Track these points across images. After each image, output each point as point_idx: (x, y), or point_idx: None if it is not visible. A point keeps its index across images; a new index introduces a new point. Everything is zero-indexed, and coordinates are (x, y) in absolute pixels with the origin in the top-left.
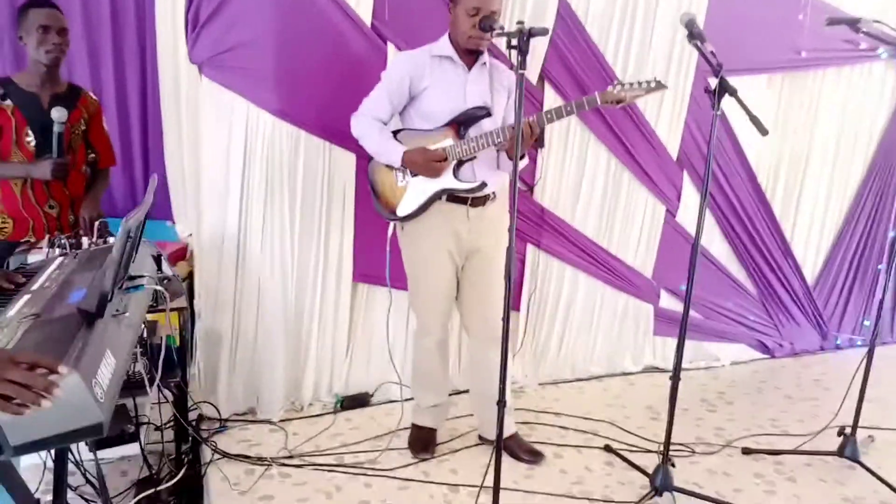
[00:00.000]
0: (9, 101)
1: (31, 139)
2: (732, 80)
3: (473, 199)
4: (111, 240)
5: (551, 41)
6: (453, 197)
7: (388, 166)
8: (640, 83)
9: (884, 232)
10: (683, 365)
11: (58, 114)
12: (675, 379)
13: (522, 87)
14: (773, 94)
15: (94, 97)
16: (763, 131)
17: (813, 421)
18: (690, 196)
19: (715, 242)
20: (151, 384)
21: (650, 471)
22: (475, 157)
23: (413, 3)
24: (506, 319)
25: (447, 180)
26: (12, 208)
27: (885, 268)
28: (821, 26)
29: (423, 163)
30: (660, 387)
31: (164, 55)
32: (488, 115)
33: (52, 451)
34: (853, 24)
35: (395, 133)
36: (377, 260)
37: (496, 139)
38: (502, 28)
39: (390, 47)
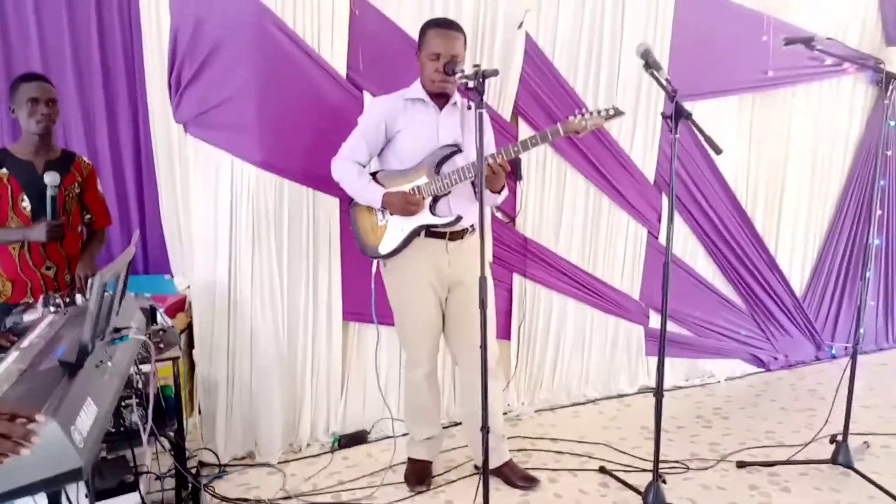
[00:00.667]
0: (4, 170)
1: (26, 204)
2: (702, 104)
3: (451, 233)
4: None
5: (521, 79)
6: (432, 232)
7: (368, 207)
8: (598, 112)
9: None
10: (679, 384)
11: (50, 178)
12: (659, 395)
13: (481, 124)
14: (745, 114)
15: (88, 161)
16: (717, 150)
17: (808, 431)
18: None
19: (700, 260)
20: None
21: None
22: (450, 193)
23: (385, 53)
24: (483, 347)
25: (424, 217)
26: (11, 271)
27: (871, 274)
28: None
29: (400, 205)
30: None
31: (156, 116)
32: (459, 151)
33: None
34: (807, 42)
35: (373, 174)
36: (365, 298)
37: (468, 174)
38: (463, 72)
39: (366, 95)
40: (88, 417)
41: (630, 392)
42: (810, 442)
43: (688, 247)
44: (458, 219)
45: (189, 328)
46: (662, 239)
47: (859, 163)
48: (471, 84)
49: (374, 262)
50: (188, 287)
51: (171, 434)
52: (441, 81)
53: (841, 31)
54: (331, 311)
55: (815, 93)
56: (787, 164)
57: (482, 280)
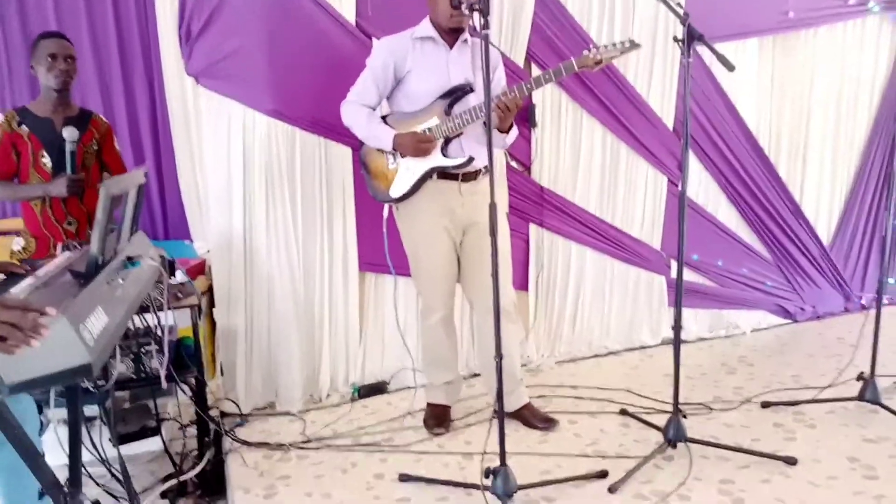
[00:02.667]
0: (24, 127)
1: (46, 160)
2: (721, 46)
3: (464, 174)
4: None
5: (533, 24)
6: (444, 174)
7: (379, 150)
8: (613, 44)
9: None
10: (703, 335)
11: (69, 133)
12: (678, 327)
13: (487, 46)
14: (766, 57)
15: (105, 119)
16: (730, 67)
17: (836, 375)
18: (691, 165)
19: (722, 208)
20: (169, 381)
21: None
22: (462, 133)
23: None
24: (494, 275)
25: (436, 158)
26: (34, 227)
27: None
28: None
29: (412, 144)
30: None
31: (170, 75)
32: (471, 91)
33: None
34: None
35: (384, 118)
36: (381, 249)
37: (480, 113)
38: (470, 4)
39: (375, 42)
40: (98, 322)
41: (653, 344)
42: (837, 380)
43: (709, 194)
44: (471, 160)
45: (210, 291)
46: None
47: (886, 107)
48: (476, 6)
49: (386, 206)
50: (208, 251)
51: (192, 381)
52: (458, 15)
53: None
54: (347, 261)
55: (839, 35)
56: (811, 109)
57: (492, 206)
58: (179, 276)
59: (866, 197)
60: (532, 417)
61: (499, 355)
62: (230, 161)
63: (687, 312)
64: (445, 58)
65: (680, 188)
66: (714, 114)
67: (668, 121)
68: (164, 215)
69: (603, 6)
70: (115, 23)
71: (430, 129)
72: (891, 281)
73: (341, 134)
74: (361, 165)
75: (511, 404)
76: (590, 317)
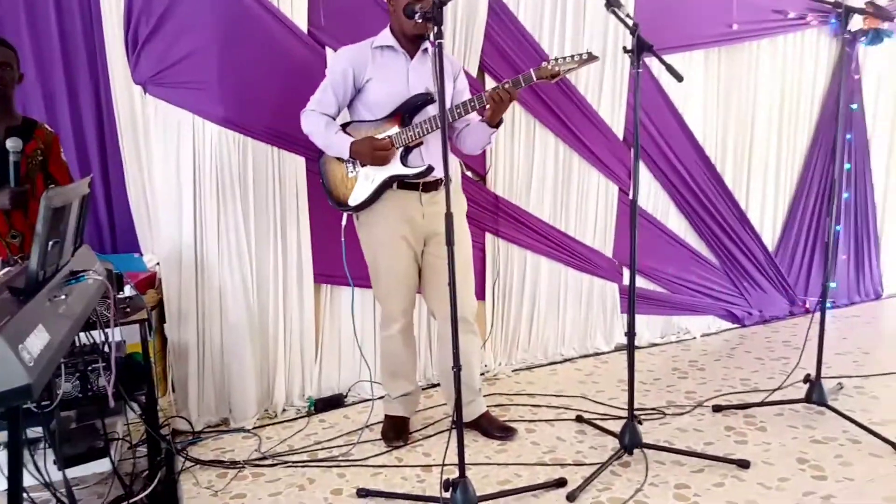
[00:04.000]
0: None
1: None
2: (669, 58)
3: (425, 184)
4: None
5: (486, 34)
6: (404, 183)
7: (338, 158)
8: (572, 56)
9: (837, 194)
10: (654, 340)
11: (12, 143)
12: (631, 333)
13: (441, 57)
14: (712, 68)
15: (50, 129)
16: (678, 77)
17: (783, 378)
18: (641, 174)
19: (671, 216)
20: (117, 399)
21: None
22: (422, 143)
23: (346, 8)
24: (452, 284)
25: (395, 167)
26: None
27: (840, 228)
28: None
29: (369, 152)
30: None
31: (117, 82)
32: (431, 101)
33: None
34: None
35: (344, 126)
36: (337, 260)
37: (438, 123)
38: (424, 13)
39: (328, 51)
40: (39, 342)
41: (606, 350)
42: (785, 383)
43: (658, 203)
44: (430, 169)
45: (160, 305)
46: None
47: (825, 116)
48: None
49: (344, 215)
50: (158, 264)
51: (142, 399)
52: (414, 24)
53: None
54: (301, 273)
55: (780, 46)
56: (754, 118)
57: (448, 216)
58: (128, 290)
59: (808, 203)
60: (490, 427)
61: (457, 366)
62: (180, 172)
63: (639, 319)
64: (405, 67)
65: (631, 197)
66: (662, 124)
67: (619, 131)
68: (111, 228)
69: (554, 17)
70: (59, 27)
71: (390, 138)
72: (833, 285)
73: (294, 143)
74: (321, 174)
75: (469, 414)
76: (545, 324)
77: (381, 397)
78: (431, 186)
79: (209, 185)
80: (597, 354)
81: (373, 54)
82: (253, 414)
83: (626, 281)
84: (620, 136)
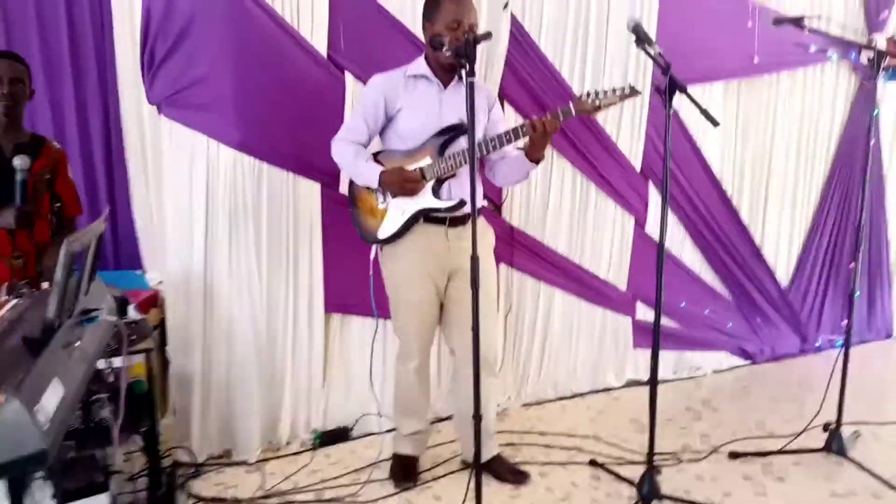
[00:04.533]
0: None
1: None
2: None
3: (452, 218)
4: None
5: (506, 61)
6: (431, 218)
7: (368, 188)
8: (613, 90)
9: (853, 230)
10: (667, 376)
11: (20, 161)
12: (654, 383)
13: (472, 94)
14: (731, 101)
15: (58, 146)
16: (714, 122)
17: (799, 421)
18: (657, 206)
19: (686, 251)
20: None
21: (637, 482)
22: (455, 175)
23: (367, 32)
24: (475, 329)
25: (426, 199)
26: None
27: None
28: (770, 32)
29: (398, 182)
30: (643, 399)
31: (127, 101)
32: (464, 131)
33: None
34: (797, 22)
35: (375, 155)
36: (349, 289)
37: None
38: (455, 48)
39: (347, 76)
40: (54, 398)
41: (617, 386)
42: (802, 432)
43: (675, 236)
44: (462, 203)
45: (162, 324)
46: (649, 228)
47: (843, 152)
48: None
49: (373, 247)
50: (161, 282)
51: (144, 431)
52: (444, 56)
53: (825, 20)
54: (312, 302)
55: (800, 80)
56: (772, 152)
57: (474, 259)
58: (132, 313)
59: (823, 240)
60: (502, 470)
61: (477, 416)
62: (192, 196)
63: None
64: (438, 97)
65: (658, 240)
66: (680, 156)
67: (636, 162)
68: (115, 244)
69: (575, 46)
70: (70, 42)
71: (421, 170)
72: (843, 322)
73: (311, 169)
74: (350, 203)
75: (483, 455)
76: (556, 358)
77: (392, 430)
78: (458, 221)
79: (222, 210)
80: (607, 390)
81: (406, 83)
82: (256, 446)
83: (639, 315)
84: (638, 167)
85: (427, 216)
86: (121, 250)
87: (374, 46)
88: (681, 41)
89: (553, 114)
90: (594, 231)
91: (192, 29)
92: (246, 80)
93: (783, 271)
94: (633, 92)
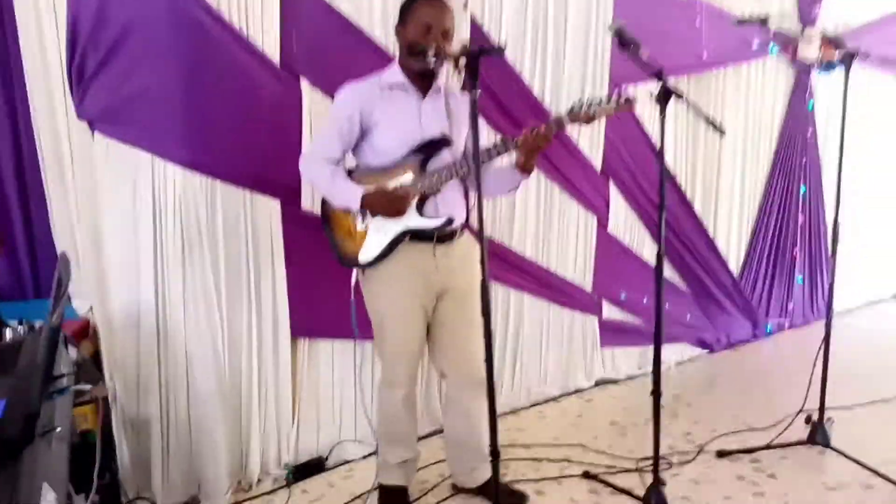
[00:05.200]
0: None
1: None
2: (643, 87)
3: (439, 235)
4: (7, 333)
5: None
6: (417, 235)
7: (345, 209)
8: (608, 100)
9: (794, 218)
10: (632, 373)
11: None
12: (657, 394)
13: (476, 110)
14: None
15: None
16: (720, 132)
17: (771, 411)
18: (618, 206)
19: (647, 247)
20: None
21: (636, 492)
22: (439, 191)
23: (323, 35)
24: (489, 361)
25: (411, 219)
26: None
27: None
28: (716, 29)
29: (384, 203)
30: (616, 399)
31: (41, 118)
32: (447, 144)
33: None
34: (763, 22)
35: (349, 172)
36: (315, 311)
37: (461, 169)
38: (436, 55)
39: (303, 83)
40: None
41: (587, 386)
42: (787, 428)
43: (635, 233)
44: (450, 220)
45: (96, 356)
46: (611, 228)
47: (784, 144)
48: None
49: (354, 271)
50: (90, 309)
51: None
52: (423, 62)
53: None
54: (277, 327)
55: (744, 75)
56: (721, 145)
57: (484, 284)
58: (73, 353)
59: (769, 228)
60: (499, 493)
61: (495, 457)
62: (137, 220)
63: (617, 352)
64: (417, 107)
65: (658, 251)
66: (638, 154)
67: (597, 163)
68: (33, 271)
69: (535, 47)
70: None
71: (403, 187)
72: (790, 305)
73: (269, 185)
74: (324, 224)
75: (475, 480)
76: (528, 364)
77: (366, 456)
78: (446, 238)
79: (172, 237)
80: (578, 391)
81: (381, 92)
82: (225, 489)
83: (605, 314)
84: (598, 167)
85: (413, 234)
86: (41, 278)
87: (330, 51)
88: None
89: (546, 125)
90: (559, 233)
91: (130, 37)
92: (192, 91)
93: (734, 260)
94: (629, 103)
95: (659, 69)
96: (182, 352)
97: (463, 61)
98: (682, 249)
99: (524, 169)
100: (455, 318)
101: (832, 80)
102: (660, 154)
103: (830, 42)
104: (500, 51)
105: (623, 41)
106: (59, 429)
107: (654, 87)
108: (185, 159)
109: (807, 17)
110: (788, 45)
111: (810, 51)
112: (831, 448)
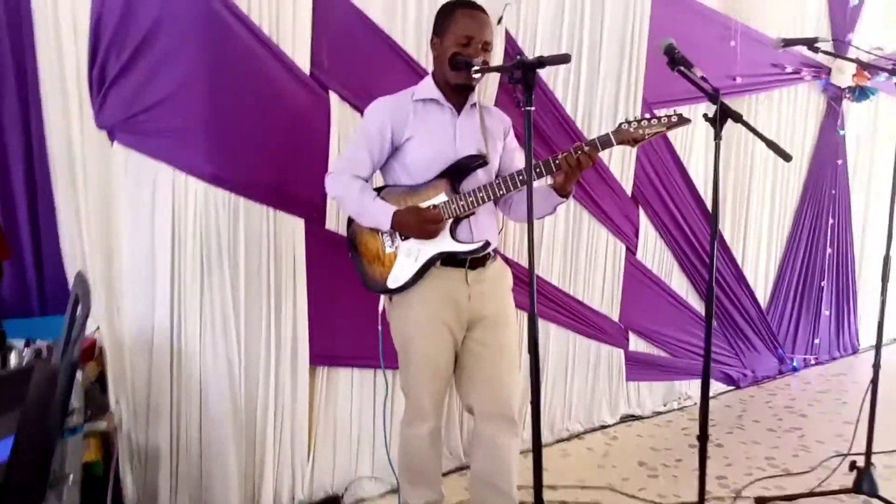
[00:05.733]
0: None
1: None
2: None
3: (472, 259)
4: (11, 357)
5: (500, 82)
6: (449, 260)
7: (373, 230)
8: (658, 118)
9: (822, 250)
10: (658, 408)
11: None
12: (703, 438)
13: (531, 126)
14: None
15: None
16: (786, 157)
17: (805, 454)
18: (648, 233)
19: (675, 277)
20: None
21: None
22: (473, 213)
23: (354, 48)
24: (535, 403)
25: (445, 242)
26: None
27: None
28: (750, 52)
29: (417, 224)
30: (643, 438)
31: (54, 125)
32: (484, 164)
33: None
34: (810, 44)
35: (378, 190)
36: (336, 339)
37: (500, 190)
38: (484, 65)
39: (332, 97)
40: None
41: (611, 422)
42: (815, 466)
43: (663, 262)
44: (487, 244)
45: (101, 378)
46: (640, 255)
47: (813, 173)
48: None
49: (381, 298)
50: (97, 329)
51: None
52: (466, 78)
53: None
54: (296, 355)
55: (776, 100)
56: (752, 172)
57: (532, 319)
58: (78, 375)
59: (797, 261)
60: None
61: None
62: (155, 237)
63: (642, 386)
64: (452, 123)
65: (708, 282)
66: (668, 178)
67: (628, 187)
68: (39, 288)
69: (569, 69)
70: None
71: (435, 207)
72: (816, 342)
73: (293, 202)
74: (350, 247)
75: None
76: (552, 398)
77: (390, 493)
78: (479, 262)
79: (191, 254)
80: (603, 428)
81: (414, 107)
82: None
83: (632, 346)
84: (629, 191)
85: (445, 259)
86: (48, 295)
87: (361, 65)
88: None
89: (590, 144)
90: (587, 260)
91: (153, 41)
92: (218, 101)
93: (761, 293)
94: (683, 120)
95: (715, 89)
96: (196, 376)
97: (517, 75)
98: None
99: (563, 191)
100: (486, 349)
101: (864, 107)
102: (714, 184)
103: (864, 68)
104: (565, 58)
105: (674, 59)
106: (70, 476)
107: (686, 110)
108: (208, 173)
109: (841, 42)
110: (820, 71)
111: (843, 78)
112: (879, 498)
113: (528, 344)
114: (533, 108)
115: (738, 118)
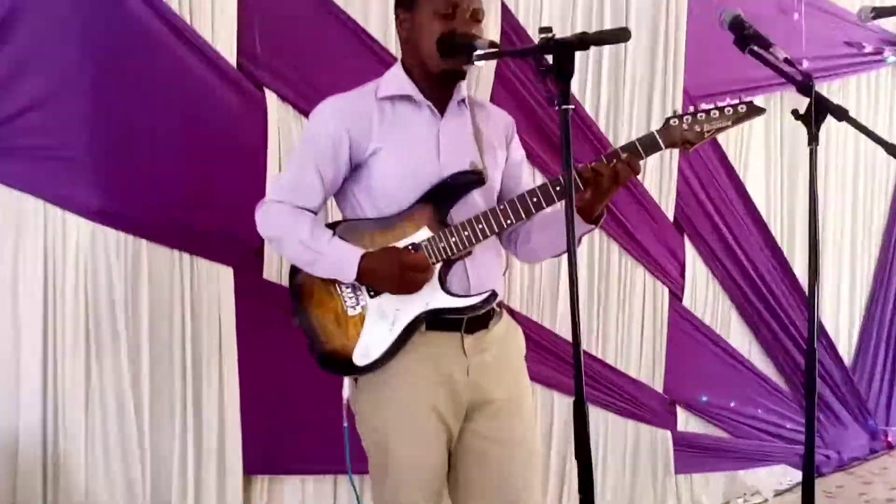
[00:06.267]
0: None
1: None
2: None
3: (470, 319)
4: None
5: (497, 72)
6: (437, 321)
7: (327, 282)
8: (720, 109)
9: None
10: None
11: None
12: None
13: (568, 130)
14: (773, 120)
15: None
16: None
17: None
18: (697, 270)
19: (733, 328)
20: None
21: None
22: (470, 253)
23: (298, 28)
24: None
25: (432, 296)
26: None
27: None
28: (821, 27)
29: (395, 274)
30: None
31: None
32: (480, 182)
33: None
34: None
35: (332, 227)
36: (281, 436)
37: (505, 220)
38: (484, 46)
39: (269, 96)
40: None
41: None
42: None
43: (718, 309)
44: (494, 296)
45: None
46: (688, 302)
47: None
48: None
49: (346, 381)
50: None
51: None
52: (456, 65)
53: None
54: (224, 461)
55: (853, 90)
56: (826, 184)
57: (579, 395)
58: None
59: (888, 300)
60: None
61: None
62: (17, 300)
63: (697, 479)
64: (434, 128)
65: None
66: (721, 200)
67: (669, 210)
68: None
69: (587, 60)
70: None
71: (417, 248)
72: None
73: (216, 245)
74: (295, 308)
75: None
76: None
77: None
78: (479, 322)
79: (71, 321)
80: None
81: (379, 108)
82: None
83: (681, 425)
84: (670, 215)
85: (432, 320)
86: None
87: (308, 52)
88: (712, 43)
89: (628, 149)
90: (619, 309)
91: (16, 25)
92: (107, 108)
93: (844, 345)
94: (754, 110)
95: (805, 74)
96: (81, 491)
97: (548, 59)
98: (782, 333)
99: (590, 216)
100: (493, 446)
101: None
102: (812, 205)
103: None
104: (622, 34)
105: (744, 36)
106: None
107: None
108: (94, 208)
109: None
110: None
111: None
112: None
113: (574, 448)
114: (573, 108)
115: (842, 114)
